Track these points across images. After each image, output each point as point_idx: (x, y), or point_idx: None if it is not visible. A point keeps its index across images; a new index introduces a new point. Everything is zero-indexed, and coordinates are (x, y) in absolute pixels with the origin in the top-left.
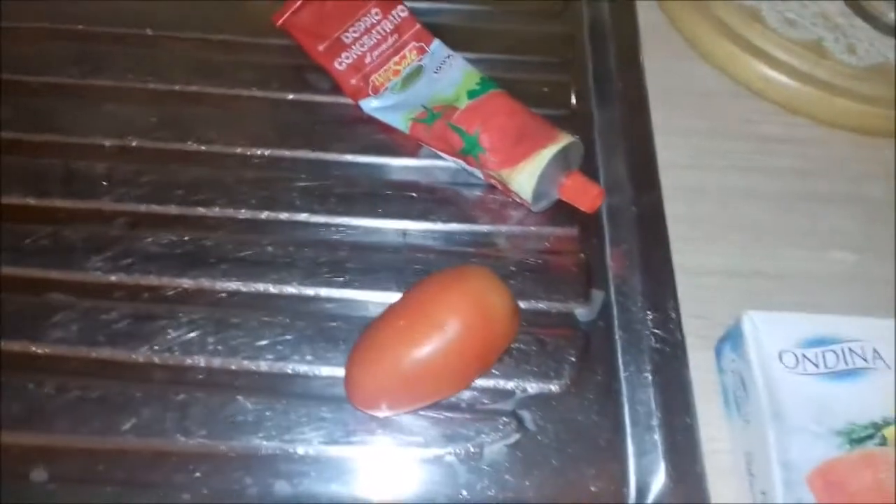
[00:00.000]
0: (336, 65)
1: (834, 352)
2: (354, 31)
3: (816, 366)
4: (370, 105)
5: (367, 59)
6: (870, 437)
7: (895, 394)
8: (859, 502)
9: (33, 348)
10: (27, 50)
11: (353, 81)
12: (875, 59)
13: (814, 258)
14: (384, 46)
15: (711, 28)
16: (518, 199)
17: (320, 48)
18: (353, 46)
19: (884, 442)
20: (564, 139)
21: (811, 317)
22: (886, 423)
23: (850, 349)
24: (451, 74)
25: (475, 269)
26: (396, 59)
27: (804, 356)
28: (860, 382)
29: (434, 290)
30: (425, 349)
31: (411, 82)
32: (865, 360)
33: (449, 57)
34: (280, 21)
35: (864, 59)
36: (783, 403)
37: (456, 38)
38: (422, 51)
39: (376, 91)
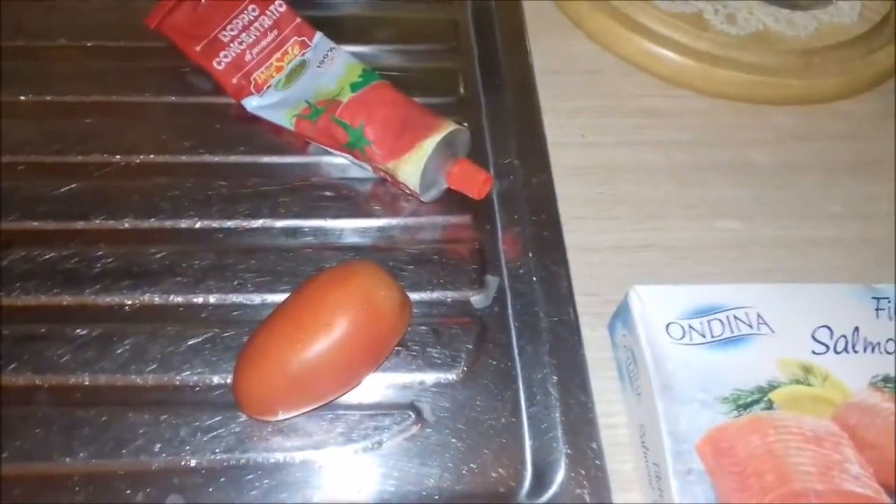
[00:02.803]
0: (215, 64)
1: (719, 320)
2: (232, 30)
3: (703, 335)
4: (252, 104)
5: (248, 57)
6: (756, 402)
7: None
8: (750, 467)
9: None
10: None
11: (234, 80)
12: (755, 27)
13: (703, 228)
14: (264, 43)
15: (594, 6)
16: (407, 191)
17: (197, 48)
18: (232, 45)
19: (770, 406)
20: (447, 127)
21: (697, 287)
22: (772, 387)
23: (735, 316)
24: (333, 68)
25: (362, 264)
26: (278, 55)
27: (690, 327)
28: (745, 348)
29: (321, 289)
30: (313, 350)
31: (295, 78)
32: (750, 325)
33: (331, 50)
34: (154, 24)
35: (745, 28)
36: (671, 375)
37: (340, 31)
38: (304, 45)
39: (259, 89)
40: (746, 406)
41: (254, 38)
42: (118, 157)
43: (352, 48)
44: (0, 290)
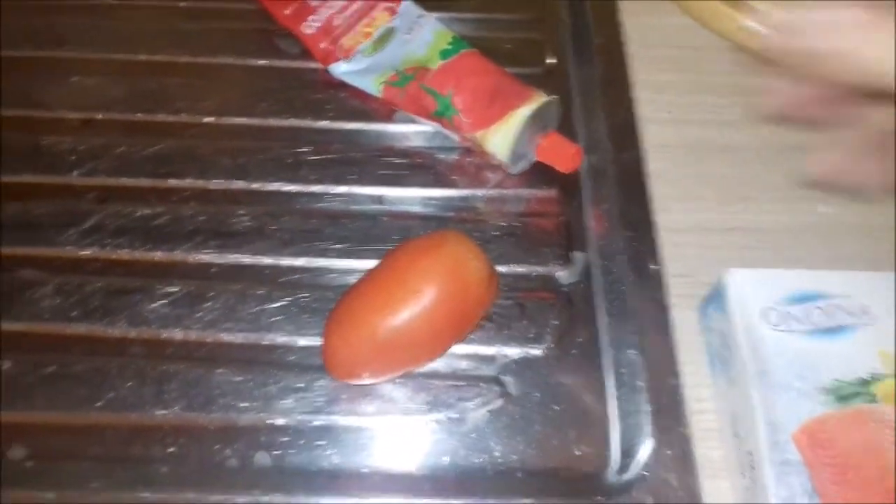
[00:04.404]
0: (304, 28)
1: (820, 308)
2: None
3: (802, 323)
4: (340, 69)
5: (336, 22)
6: (858, 394)
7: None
8: (850, 460)
9: (6, 325)
10: None
11: (323, 45)
12: None
13: (796, 211)
14: (353, 8)
15: None
16: (495, 162)
17: (286, 12)
18: (321, 9)
19: (873, 399)
20: (540, 98)
21: (796, 272)
22: (875, 380)
23: (837, 305)
24: (422, 35)
25: (451, 234)
26: (366, 20)
27: (789, 313)
28: (847, 338)
29: (410, 257)
30: (401, 316)
31: (382, 44)
32: (853, 315)
33: (420, 17)
34: None
35: None
36: (768, 362)
37: None
38: (392, 11)
39: (346, 55)
40: (848, 398)
41: (343, 3)
42: (208, 118)
43: (438, 15)
44: (99, 242)
